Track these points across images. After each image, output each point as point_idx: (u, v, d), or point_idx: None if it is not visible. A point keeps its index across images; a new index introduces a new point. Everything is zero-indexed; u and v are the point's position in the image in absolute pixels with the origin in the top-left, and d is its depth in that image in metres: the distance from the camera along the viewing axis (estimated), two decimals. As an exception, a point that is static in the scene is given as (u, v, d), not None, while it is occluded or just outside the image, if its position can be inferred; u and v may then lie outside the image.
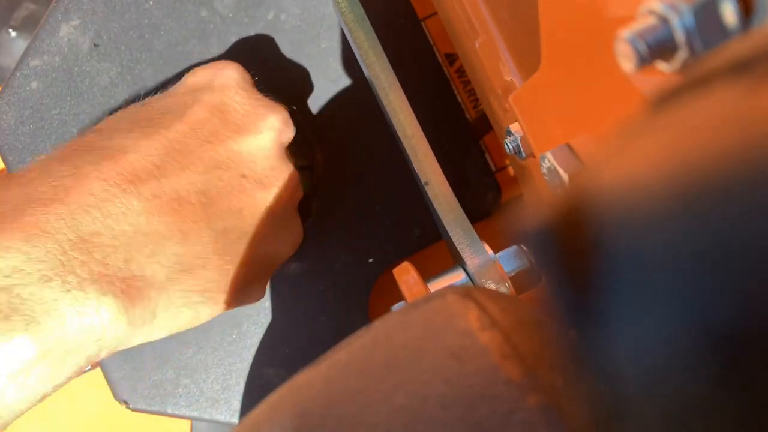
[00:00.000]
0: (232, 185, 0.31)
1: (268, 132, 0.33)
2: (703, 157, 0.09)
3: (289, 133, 0.35)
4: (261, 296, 0.36)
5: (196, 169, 0.30)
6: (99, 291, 0.26)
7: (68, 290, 0.25)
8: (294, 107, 0.43)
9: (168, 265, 0.28)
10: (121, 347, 0.28)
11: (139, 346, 0.41)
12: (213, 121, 0.32)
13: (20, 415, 0.26)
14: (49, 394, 0.26)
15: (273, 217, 0.33)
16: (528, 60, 0.35)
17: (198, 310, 0.30)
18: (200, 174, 0.30)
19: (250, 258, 0.32)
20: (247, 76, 0.36)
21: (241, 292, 0.33)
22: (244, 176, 0.32)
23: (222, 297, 0.31)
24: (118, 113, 0.33)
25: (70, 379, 0.27)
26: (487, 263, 0.32)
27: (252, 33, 0.43)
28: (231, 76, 0.35)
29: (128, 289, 0.27)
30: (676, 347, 0.10)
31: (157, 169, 0.29)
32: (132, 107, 0.33)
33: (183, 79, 0.36)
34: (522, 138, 0.33)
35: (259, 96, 0.35)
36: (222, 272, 0.31)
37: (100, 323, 0.26)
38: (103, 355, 0.28)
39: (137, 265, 0.27)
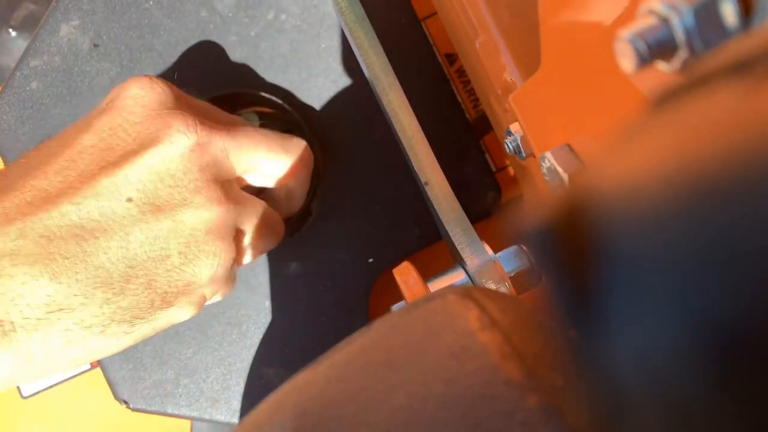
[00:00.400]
0: (115, 212, 0.29)
1: (159, 145, 0.30)
2: (703, 157, 0.09)
3: (186, 140, 0.31)
4: (186, 317, 0.33)
5: (70, 201, 0.29)
6: None
7: None
8: (280, 101, 0.43)
9: (38, 307, 0.27)
10: (20, 382, 0.28)
11: (139, 346, 0.42)
12: (98, 147, 0.30)
13: None
14: None
15: (175, 240, 0.31)
16: (528, 60, 0.35)
17: (89, 344, 0.29)
18: (74, 206, 0.29)
19: (148, 283, 0.30)
20: (155, 91, 0.32)
21: (149, 320, 0.31)
22: (130, 200, 0.30)
23: (121, 328, 0.30)
24: (37, 147, 0.32)
25: None
26: (487, 263, 0.32)
27: (252, 33, 0.43)
28: (129, 93, 0.32)
29: None
30: (676, 348, 0.10)
31: (27, 206, 0.28)
32: (43, 144, 0.32)
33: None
34: (522, 138, 0.33)
35: (159, 107, 0.32)
36: (108, 304, 0.29)
37: None
38: None
39: (1, 308, 0.27)
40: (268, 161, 0.35)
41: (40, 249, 0.28)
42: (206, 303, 0.34)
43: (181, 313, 0.32)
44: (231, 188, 0.34)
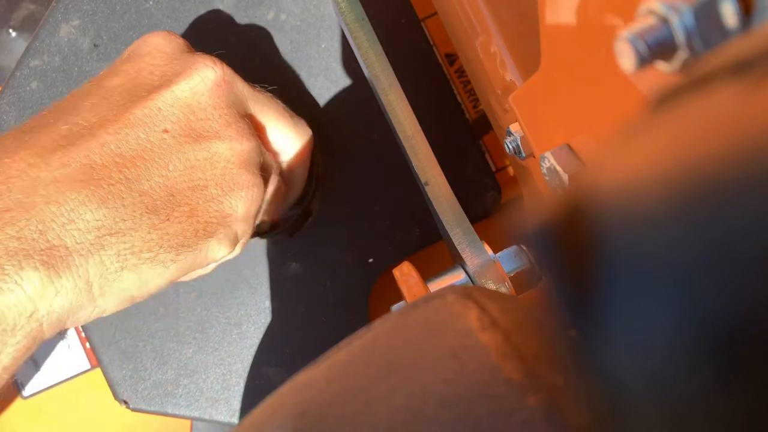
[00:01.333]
0: (152, 142, 0.30)
1: (188, 78, 0.32)
2: (703, 157, 0.10)
3: (213, 73, 0.33)
4: (226, 252, 0.33)
5: (107, 132, 0.30)
6: (17, 266, 0.26)
7: None
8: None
9: (89, 231, 0.28)
10: (74, 321, 0.28)
11: (139, 346, 0.42)
12: (126, 87, 0.31)
13: None
14: (5, 379, 0.27)
15: (211, 169, 0.32)
16: (528, 60, 0.35)
17: (141, 272, 0.29)
18: (112, 136, 0.30)
19: (190, 212, 0.31)
20: (172, 40, 0.34)
21: (193, 249, 0.31)
22: (165, 131, 0.31)
23: (168, 255, 0.30)
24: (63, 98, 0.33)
25: (19, 359, 0.27)
26: (487, 263, 0.32)
27: (252, 33, 0.43)
28: (151, 42, 0.34)
29: (49, 259, 0.26)
30: (676, 347, 0.10)
31: (64, 139, 0.29)
32: (68, 95, 0.33)
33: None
34: (522, 138, 0.33)
35: (180, 54, 0.33)
36: (155, 230, 0.30)
37: (26, 298, 0.26)
38: (51, 329, 0.27)
39: (54, 234, 0.27)
40: (278, 127, 0.37)
41: (83, 176, 0.28)
42: (236, 248, 0.35)
43: (219, 247, 0.33)
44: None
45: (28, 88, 0.42)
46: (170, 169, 0.31)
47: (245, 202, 0.33)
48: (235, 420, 0.42)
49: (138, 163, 0.30)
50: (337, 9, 0.37)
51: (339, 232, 0.43)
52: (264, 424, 0.20)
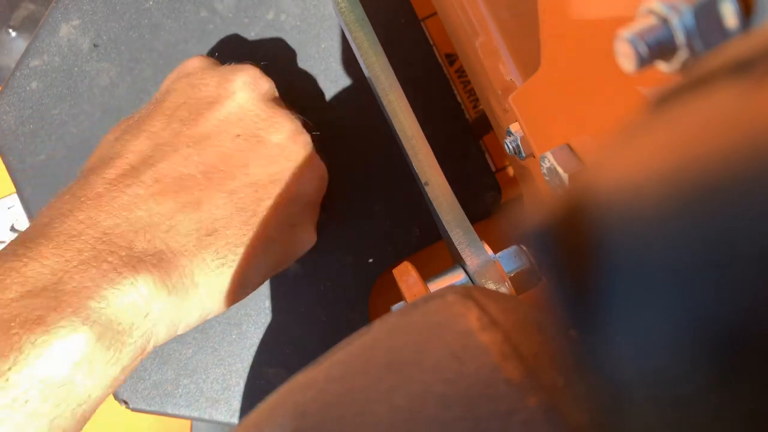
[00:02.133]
0: (228, 147, 0.33)
1: (241, 91, 0.35)
2: (703, 157, 0.09)
3: (264, 84, 0.36)
4: (310, 238, 0.37)
5: (186, 145, 0.32)
6: (132, 270, 0.28)
7: (104, 274, 0.28)
8: (302, 117, 0.43)
9: (190, 234, 0.31)
10: (184, 322, 0.31)
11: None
12: (188, 103, 0.34)
13: (100, 403, 0.28)
14: (121, 379, 0.29)
15: (283, 161, 0.35)
16: (528, 60, 0.35)
17: (239, 265, 0.32)
18: (192, 148, 0.32)
19: (275, 204, 0.34)
20: (210, 60, 0.38)
21: (284, 236, 0.34)
22: (237, 135, 0.34)
23: (262, 246, 0.33)
24: (112, 129, 0.36)
25: (135, 359, 0.29)
26: (487, 263, 0.32)
27: (252, 33, 0.43)
28: (192, 64, 0.37)
29: (159, 262, 0.29)
30: (676, 347, 0.10)
31: (150, 158, 0.32)
32: (121, 121, 0.36)
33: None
34: (522, 138, 0.33)
35: (223, 67, 0.36)
36: (246, 225, 0.32)
37: (141, 298, 0.28)
38: (165, 330, 0.30)
39: (160, 240, 0.30)
40: None
41: (176, 187, 0.31)
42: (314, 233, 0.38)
43: (304, 233, 0.36)
44: None
45: (28, 88, 0.42)
46: (250, 167, 0.33)
47: (314, 182, 0.36)
48: (235, 420, 0.42)
49: (221, 167, 0.33)
50: (337, 9, 0.37)
51: (339, 232, 0.43)
52: (264, 424, 0.20)
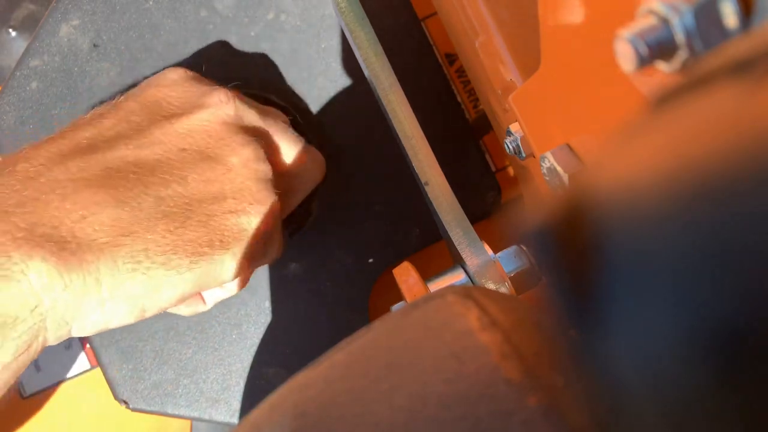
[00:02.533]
0: (170, 158, 0.32)
1: (203, 112, 0.34)
2: (703, 156, 0.09)
3: (227, 109, 0.35)
4: (240, 275, 0.34)
5: (126, 146, 0.31)
6: (25, 254, 0.25)
7: None
8: (286, 105, 0.43)
9: (103, 229, 0.28)
10: (79, 323, 0.28)
11: (139, 346, 0.42)
12: (144, 111, 0.33)
13: None
14: (5, 379, 0.26)
15: (227, 183, 0.33)
16: (528, 60, 0.35)
17: (152, 276, 0.29)
18: (132, 149, 0.31)
19: (207, 223, 0.32)
20: (187, 74, 0.37)
21: (206, 259, 0.31)
22: (183, 150, 0.32)
23: (182, 262, 0.30)
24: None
25: (18, 357, 0.26)
26: (487, 263, 0.32)
27: (252, 33, 0.43)
28: (169, 77, 0.36)
29: (60, 251, 0.26)
30: (676, 347, 0.10)
31: (85, 148, 0.30)
32: (90, 113, 0.35)
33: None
34: (522, 138, 0.33)
35: (195, 85, 0.36)
36: (174, 236, 0.30)
37: (31, 289, 0.25)
38: (55, 329, 0.27)
39: (67, 229, 0.27)
40: (288, 155, 0.38)
41: (101, 180, 0.29)
42: (254, 267, 0.35)
43: (232, 263, 0.33)
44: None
45: (28, 88, 0.42)
46: (189, 180, 0.32)
47: (260, 218, 0.34)
48: (235, 420, 0.42)
49: (157, 174, 0.31)
50: (337, 9, 0.37)
51: (339, 232, 0.43)
52: (264, 424, 0.20)
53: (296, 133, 0.39)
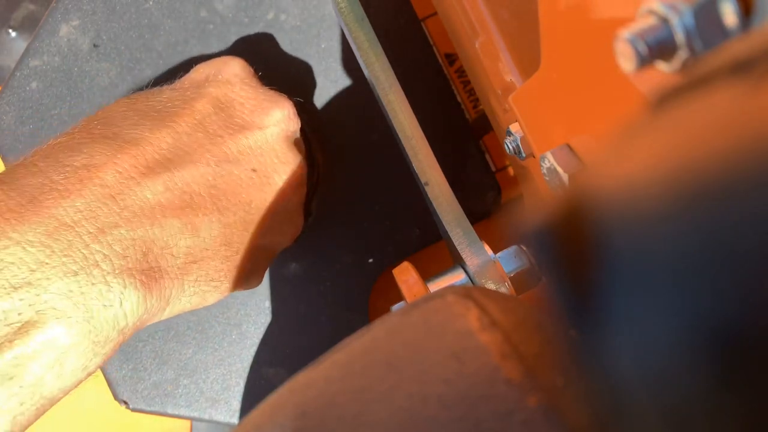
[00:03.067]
0: (242, 179, 0.32)
1: (274, 126, 0.34)
2: (703, 157, 0.09)
3: (294, 125, 0.36)
4: (259, 283, 0.36)
5: (207, 162, 0.31)
6: (121, 284, 0.26)
7: (93, 284, 0.26)
8: (300, 99, 0.43)
9: (180, 257, 0.29)
10: (138, 330, 0.30)
11: (139, 346, 0.42)
12: (220, 116, 0.33)
13: (56, 403, 0.27)
14: (83, 380, 0.28)
15: (278, 209, 0.34)
16: (528, 60, 0.35)
17: (205, 297, 0.31)
18: (211, 167, 0.31)
19: (254, 248, 0.33)
20: (250, 70, 0.36)
21: (242, 280, 0.34)
22: (254, 170, 0.33)
23: (226, 284, 0.32)
24: (121, 102, 0.33)
25: (99, 366, 0.28)
26: (487, 263, 0.32)
27: (252, 33, 0.43)
28: (234, 71, 0.35)
29: (147, 280, 0.28)
30: (676, 347, 0.10)
31: (169, 162, 0.29)
32: (135, 97, 0.33)
33: (187, 75, 0.36)
34: (522, 138, 0.33)
35: (264, 89, 0.35)
36: (227, 262, 0.32)
37: (123, 314, 0.27)
38: (124, 340, 0.29)
39: (153, 257, 0.28)
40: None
41: (184, 204, 0.29)
42: None
43: (257, 280, 0.36)
44: None
45: (28, 88, 0.42)
46: (252, 206, 0.33)
47: (291, 238, 0.37)
48: (235, 420, 0.42)
49: (229, 197, 0.31)
50: (337, 9, 0.37)
51: (339, 232, 0.43)
52: (264, 424, 0.20)
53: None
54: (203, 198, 0.30)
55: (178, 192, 0.29)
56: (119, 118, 0.31)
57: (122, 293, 0.26)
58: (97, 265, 0.26)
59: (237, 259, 0.32)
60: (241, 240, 0.32)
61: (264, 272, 0.36)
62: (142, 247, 0.28)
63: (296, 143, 0.36)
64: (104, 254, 0.26)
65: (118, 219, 0.27)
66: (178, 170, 0.30)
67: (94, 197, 0.27)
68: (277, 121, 0.34)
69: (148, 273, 0.28)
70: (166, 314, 0.30)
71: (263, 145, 0.33)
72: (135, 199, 0.28)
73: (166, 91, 0.33)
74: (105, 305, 0.26)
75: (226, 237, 0.31)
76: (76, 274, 0.25)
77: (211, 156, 0.31)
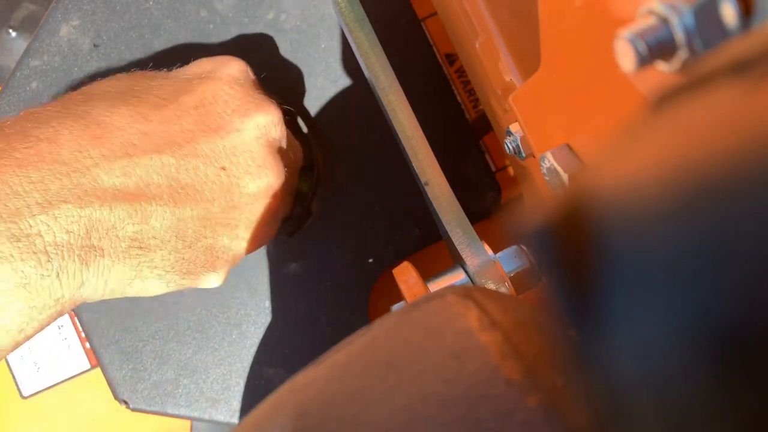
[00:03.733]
0: (208, 176, 0.32)
1: (254, 130, 0.34)
2: (703, 156, 0.09)
3: (277, 132, 0.35)
4: (218, 283, 0.35)
5: (173, 154, 0.31)
6: (60, 256, 0.27)
7: (34, 252, 0.27)
8: (291, 108, 0.43)
9: (124, 240, 0.29)
10: (76, 305, 0.30)
11: (139, 346, 0.42)
12: (200, 111, 0.33)
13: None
14: (20, 343, 0.28)
15: (246, 213, 0.34)
16: (528, 60, 0.35)
17: (147, 285, 0.31)
18: (176, 159, 0.31)
19: (211, 246, 0.33)
20: (248, 73, 0.36)
21: (194, 276, 0.33)
22: (223, 168, 0.32)
23: (172, 276, 0.32)
24: (112, 79, 0.33)
25: (37, 332, 0.29)
26: (487, 263, 0.32)
27: (252, 33, 0.43)
28: (230, 71, 0.35)
29: (86, 257, 0.28)
30: (676, 347, 0.10)
31: (133, 148, 0.30)
32: (122, 77, 0.34)
33: (188, 65, 0.36)
34: (522, 138, 0.33)
35: (254, 93, 0.35)
36: (176, 254, 0.31)
37: (58, 285, 0.28)
38: (64, 312, 0.30)
39: (97, 236, 0.29)
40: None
41: (138, 191, 0.30)
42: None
43: (215, 279, 0.35)
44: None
45: (28, 88, 0.42)
46: (215, 204, 0.32)
47: (256, 245, 0.36)
48: (235, 420, 0.42)
49: (189, 192, 0.31)
50: (337, 9, 0.37)
51: (339, 232, 0.43)
52: (264, 424, 0.20)
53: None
54: (161, 188, 0.30)
55: (135, 178, 0.30)
56: (99, 98, 0.32)
57: (60, 265, 0.27)
58: (40, 234, 0.27)
59: (189, 253, 0.32)
60: (197, 236, 0.32)
61: (224, 273, 0.35)
62: (87, 224, 0.28)
63: (281, 152, 0.36)
64: (48, 226, 0.27)
65: (68, 195, 0.28)
66: (140, 157, 0.30)
67: (49, 171, 0.28)
68: (258, 125, 0.34)
69: (88, 250, 0.28)
70: (108, 294, 0.31)
71: (239, 146, 0.33)
72: (89, 178, 0.28)
73: (159, 78, 0.34)
74: (42, 275, 0.27)
75: (180, 230, 0.31)
76: (18, 240, 0.26)
77: (179, 149, 0.31)
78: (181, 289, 0.34)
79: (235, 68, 0.36)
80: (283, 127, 0.36)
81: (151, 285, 0.32)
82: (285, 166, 0.36)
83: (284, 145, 0.37)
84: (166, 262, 0.31)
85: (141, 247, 0.30)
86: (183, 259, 0.32)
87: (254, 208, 0.34)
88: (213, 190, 0.32)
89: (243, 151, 0.33)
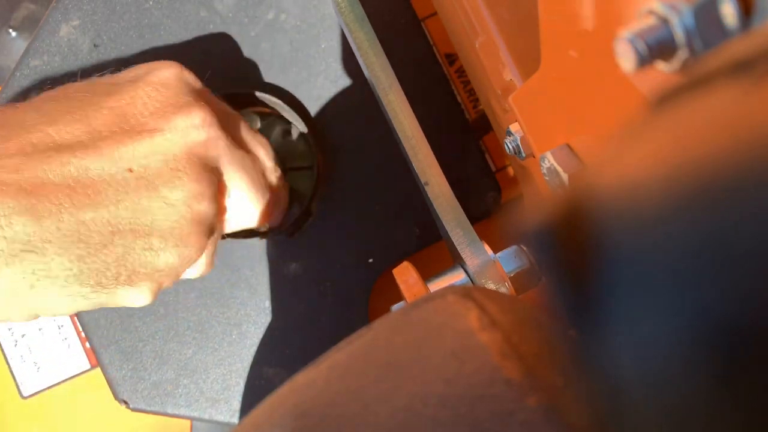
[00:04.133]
0: (114, 178, 0.30)
1: (173, 133, 0.32)
2: (703, 156, 0.09)
3: (201, 135, 0.33)
4: (140, 303, 0.32)
5: (73, 155, 0.29)
6: None
7: None
8: (274, 110, 0.43)
9: (14, 241, 0.27)
10: None
11: (139, 346, 0.42)
12: (115, 112, 0.31)
13: None
14: None
15: (160, 220, 0.31)
16: (528, 60, 0.35)
17: (49, 299, 0.29)
18: (77, 159, 0.29)
19: (123, 258, 0.30)
20: (182, 77, 0.34)
21: (109, 292, 0.31)
22: (130, 170, 0.30)
23: (81, 291, 0.30)
24: (72, 84, 0.33)
25: None
26: (487, 263, 0.32)
27: (252, 33, 0.43)
28: (160, 74, 0.33)
29: None
30: (676, 347, 0.10)
31: (30, 146, 0.29)
32: (83, 82, 0.33)
33: (127, 69, 0.35)
34: (522, 138, 0.33)
35: (182, 96, 0.33)
36: (78, 262, 0.29)
37: None
38: None
39: None
40: (243, 195, 0.36)
41: (31, 187, 0.28)
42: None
43: (138, 297, 0.32)
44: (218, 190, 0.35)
45: (28, 88, 0.42)
46: (120, 207, 0.30)
47: (182, 261, 0.32)
48: (235, 420, 0.42)
49: (90, 193, 0.29)
50: (337, 9, 0.37)
51: (339, 232, 0.43)
52: (264, 424, 0.20)
53: (267, 183, 0.37)
54: (57, 187, 0.28)
55: (29, 175, 0.28)
56: (41, 100, 0.31)
57: None
58: None
59: (96, 263, 0.29)
60: (104, 242, 0.30)
61: (150, 291, 0.32)
62: None
63: (211, 155, 0.33)
64: None
65: None
66: (37, 156, 0.28)
67: None
68: (176, 128, 0.32)
69: None
70: (12, 312, 0.29)
71: (155, 148, 0.31)
72: None
73: (100, 81, 0.33)
74: None
75: (82, 234, 0.29)
76: None
77: (81, 150, 0.30)
78: (105, 306, 0.31)
79: (166, 72, 0.34)
80: (213, 129, 0.33)
81: (54, 299, 0.29)
82: (242, 169, 0.34)
83: (215, 156, 0.34)
84: (68, 271, 0.29)
85: (35, 251, 0.28)
86: (89, 269, 0.29)
87: (169, 214, 0.31)
88: (118, 193, 0.30)
89: (155, 153, 0.31)
